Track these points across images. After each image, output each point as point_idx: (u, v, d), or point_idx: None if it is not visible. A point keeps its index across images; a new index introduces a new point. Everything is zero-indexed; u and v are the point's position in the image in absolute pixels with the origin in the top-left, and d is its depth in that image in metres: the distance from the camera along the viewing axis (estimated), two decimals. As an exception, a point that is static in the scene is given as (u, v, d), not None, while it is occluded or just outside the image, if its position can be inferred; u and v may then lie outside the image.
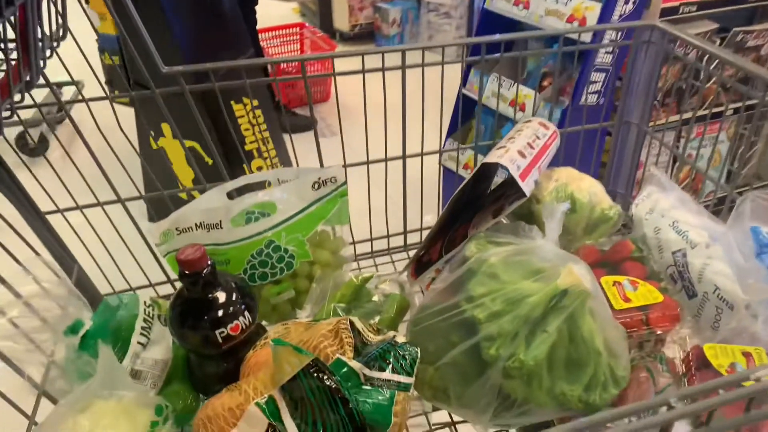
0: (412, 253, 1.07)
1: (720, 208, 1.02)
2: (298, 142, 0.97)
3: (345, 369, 0.63)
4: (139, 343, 0.78)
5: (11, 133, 2.63)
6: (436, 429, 0.81)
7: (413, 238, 1.10)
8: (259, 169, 2.05)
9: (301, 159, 1.01)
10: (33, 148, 2.64)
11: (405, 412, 0.67)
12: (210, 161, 1.98)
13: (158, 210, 0.99)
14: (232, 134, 1.13)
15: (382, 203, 1.05)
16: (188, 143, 1.95)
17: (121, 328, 0.79)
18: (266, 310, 0.90)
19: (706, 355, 0.69)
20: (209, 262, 0.72)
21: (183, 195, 1.05)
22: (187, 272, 0.71)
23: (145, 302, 0.82)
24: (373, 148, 1.00)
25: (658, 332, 0.75)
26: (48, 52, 0.69)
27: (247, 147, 1.99)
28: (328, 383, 0.60)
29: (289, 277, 0.89)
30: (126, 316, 0.80)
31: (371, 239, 1.08)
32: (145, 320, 0.80)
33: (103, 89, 0.95)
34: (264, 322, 0.93)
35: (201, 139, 1.02)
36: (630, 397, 0.65)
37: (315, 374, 0.60)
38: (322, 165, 0.98)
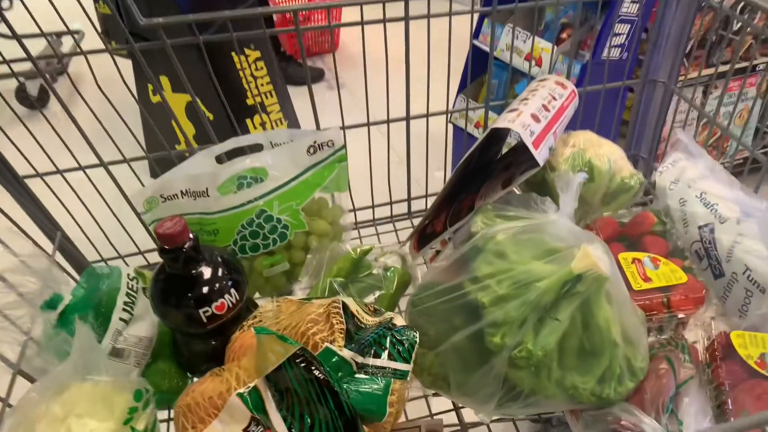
0: (416, 221, 1.01)
1: (750, 168, 0.94)
2: (304, 94, 0.89)
3: (335, 359, 0.57)
4: (121, 319, 0.73)
5: (10, 85, 2.56)
6: (437, 413, 0.76)
7: (418, 205, 1.04)
8: (263, 125, 1.97)
9: (306, 113, 0.93)
10: (33, 101, 2.57)
11: (402, 400, 0.62)
12: (211, 116, 1.91)
13: (161, 167, 0.92)
14: (228, 88, 1.04)
15: (384, 167, 0.98)
16: (187, 97, 1.89)
17: (102, 303, 0.74)
18: (259, 283, 0.85)
19: (733, 343, 0.63)
20: (191, 236, 0.66)
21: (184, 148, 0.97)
22: (166, 247, 0.65)
23: (128, 275, 0.77)
24: (381, 105, 0.92)
25: (680, 316, 0.69)
26: (7, 3, 0.61)
27: (249, 101, 1.90)
28: (316, 374, 0.55)
29: (283, 249, 0.83)
30: (108, 289, 0.75)
31: (372, 206, 1.02)
32: (128, 294, 0.75)
33: (77, 42, 0.87)
34: (257, 295, 0.88)
35: (200, 93, 0.95)
36: (647, 390, 0.59)
37: (302, 364, 0.54)
38: (318, 126, 0.91)
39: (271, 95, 1.98)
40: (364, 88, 0.90)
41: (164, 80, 1.87)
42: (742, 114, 1.74)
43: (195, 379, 0.77)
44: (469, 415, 0.75)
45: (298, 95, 2.21)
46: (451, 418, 0.75)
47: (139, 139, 0.89)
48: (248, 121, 1.92)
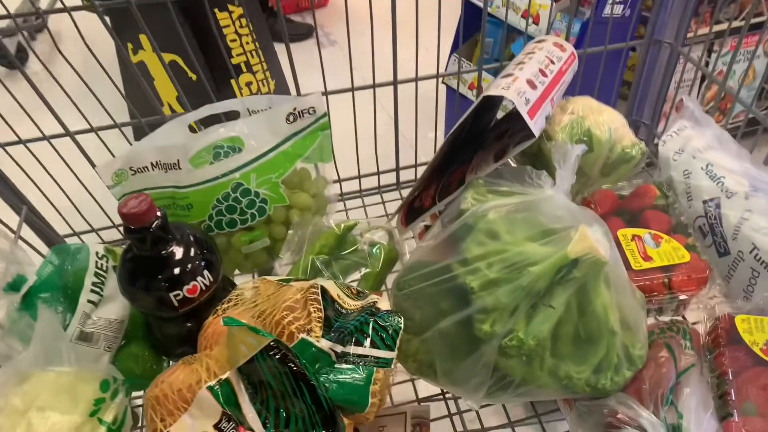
0: (405, 192, 0.96)
1: (751, 130, 0.90)
2: (293, 52, 0.82)
3: (312, 350, 0.53)
4: (89, 301, 0.69)
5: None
6: (424, 398, 0.73)
7: (407, 175, 0.98)
8: (249, 84, 1.89)
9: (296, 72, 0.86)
10: (10, 60, 2.47)
11: (386, 388, 0.59)
12: (194, 76, 1.83)
13: (138, 134, 0.87)
14: (212, 47, 0.95)
15: (371, 135, 0.93)
16: (169, 57, 1.81)
17: (69, 284, 0.70)
18: (238, 260, 0.81)
19: (737, 328, 0.59)
20: (158, 214, 0.61)
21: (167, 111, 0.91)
22: (132, 227, 0.60)
23: (97, 253, 0.73)
24: (367, 67, 0.85)
25: (682, 297, 0.65)
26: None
27: (234, 60, 1.82)
28: (290, 367, 0.51)
29: (262, 224, 0.79)
30: (76, 269, 0.71)
31: (359, 177, 0.96)
32: (96, 274, 0.71)
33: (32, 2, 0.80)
34: (237, 272, 0.84)
35: (182, 52, 0.89)
36: (646, 380, 0.56)
37: (275, 357, 0.51)
38: (298, 91, 0.85)
39: (257, 54, 1.90)
40: (357, 46, 0.82)
41: (144, 39, 1.78)
42: (748, 75, 1.67)
43: (172, 363, 0.73)
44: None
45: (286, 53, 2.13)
46: (439, 401, 0.72)
47: (106, 106, 0.82)
48: (233, 81, 1.84)
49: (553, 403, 0.65)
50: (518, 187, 0.63)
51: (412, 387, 0.73)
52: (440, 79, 0.97)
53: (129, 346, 0.71)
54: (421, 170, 0.76)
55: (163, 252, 0.63)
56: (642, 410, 0.52)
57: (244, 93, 1.88)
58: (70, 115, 0.81)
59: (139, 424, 0.72)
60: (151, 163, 0.75)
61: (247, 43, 1.87)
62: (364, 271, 0.76)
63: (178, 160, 0.73)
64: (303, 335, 0.53)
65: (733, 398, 0.54)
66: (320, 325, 0.55)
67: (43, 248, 0.86)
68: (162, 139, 0.77)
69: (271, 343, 0.50)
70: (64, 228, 0.91)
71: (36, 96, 0.76)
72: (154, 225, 0.61)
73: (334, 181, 0.93)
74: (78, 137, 0.82)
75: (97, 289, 0.70)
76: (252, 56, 1.88)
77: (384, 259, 0.76)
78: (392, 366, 0.57)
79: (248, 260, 0.81)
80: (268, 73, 1.97)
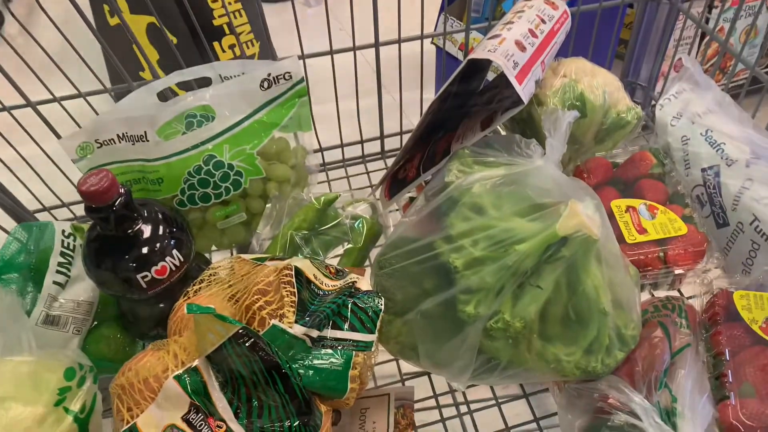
0: (391, 161, 0.92)
1: (755, 88, 0.85)
2: (276, 13, 0.76)
3: (284, 336, 0.50)
4: (55, 282, 0.65)
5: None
6: (408, 375, 0.71)
7: (393, 143, 0.94)
8: (232, 47, 1.82)
9: (280, 33, 0.80)
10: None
11: (367, 370, 0.56)
12: (174, 39, 1.76)
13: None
14: (192, 7, 0.88)
15: (363, 100, 0.87)
16: (147, 19, 1.73)
17: (33, 265, 0.66)
18: (214, 235, 0.77)
19: (736, 305, 0.56)
20: (122, 191, 0.57)
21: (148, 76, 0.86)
22: (93, 206, 0.57)
23: (63, 231, 0.69)
24: (365, 26, 0.80)
25: (678, 272, 0.62)
26: None
27: (216, 22, 1.74)
28: (261, 355, 0.48)
29: (238, 197, 0.75)
30: (41, 248, 0.67)
31: (342, 145, 0.92)
32: (62, 254, 0.67)
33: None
34: (214, 248, 0.80)
35: (161, 14, 0.83)
36: (639, 362, 0.53)
37: (245, 345, 0.47)
38: (274, 55, 0.80)
39: (240, 14, 1.82)
40: (348, 6, 0.77)
41: (121, 1, 1.70)
42: (754, 31, 1.61)
43: (146, 345, 0.70)
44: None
45: (271, 14, 2.04)
46: (424, 381, 0.69)
47: (69, 76, 0.77)
48: (216, 44, 1.77)
49: (541, 383, 0.63)
50: (506, 158, 0.59)
51: (397, 366, 0.70)
52: (429, 40, 0.91)
53: (100, 328, 0.68)
54: (407, 138, 0.72)
55: (129, 231, 0.59)
56: (634, 395, 0.49)
57: (227, 56, 1.81)
58: (53, 82, 0.76)
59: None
60: (118, 135, 0.70)
61: (230, 3, 1.78)
62: (346, 246, 0.73)
63: (145, 132, 0.69)
64: (274, 321, 0.50)
65: (730, 380, 0.51)
66: (293, 309, 0.51)
67: (11, 225, 0.82)
68: (129, 108, 0.72)
69: (240, 331, 0.47)
70: (34, 203, 0.86)
71: (11, 63, 0.71)
72: (117, 203, 0.57)
73: (315, 151, 0.89)
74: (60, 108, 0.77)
75: (64, 270, 0.66)
76: (235, 17, 1.80)
77: (366, 234, 0.72)
78: (373, 349, 0.55)
79: (225, 236, 0.77)
80: (251, 35, 1.90)
